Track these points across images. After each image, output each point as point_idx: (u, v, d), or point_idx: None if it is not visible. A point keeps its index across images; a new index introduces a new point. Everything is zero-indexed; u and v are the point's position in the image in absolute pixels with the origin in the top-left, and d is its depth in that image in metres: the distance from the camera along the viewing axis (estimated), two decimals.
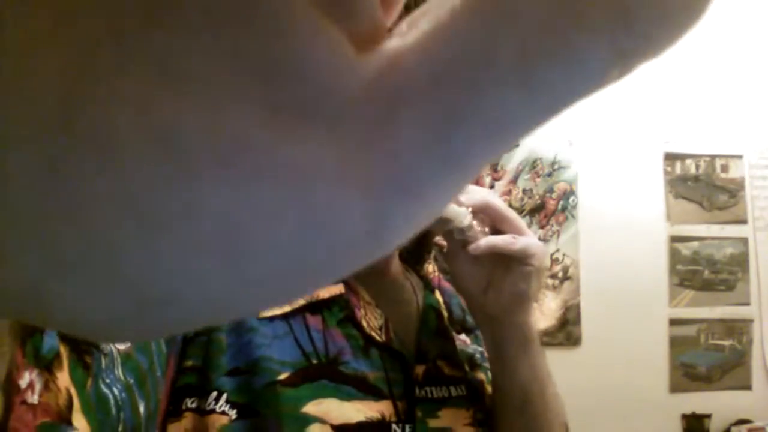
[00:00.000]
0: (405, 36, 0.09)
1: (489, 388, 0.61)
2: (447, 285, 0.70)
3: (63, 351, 0.35)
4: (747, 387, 2.02)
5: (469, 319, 0.67)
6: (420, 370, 0.56)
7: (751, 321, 2.05)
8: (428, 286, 0.65)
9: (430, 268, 0.68)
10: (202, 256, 0.09)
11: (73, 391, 0.35)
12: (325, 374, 0.50)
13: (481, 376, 0.62)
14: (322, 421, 0.48)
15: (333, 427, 0.48)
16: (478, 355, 0.63)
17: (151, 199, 0.09)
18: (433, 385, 0.56)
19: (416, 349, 0.57)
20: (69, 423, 0.34)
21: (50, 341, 0.34)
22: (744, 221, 2.08)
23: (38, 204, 0.09)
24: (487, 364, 0.63)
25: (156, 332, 0.11)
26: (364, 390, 0.51)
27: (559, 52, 0.09)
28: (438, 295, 0.66)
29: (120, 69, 0.08)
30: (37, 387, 0.33)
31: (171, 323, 0.10)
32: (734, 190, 2.09)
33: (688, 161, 2.08)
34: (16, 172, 0.08)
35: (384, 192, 0.10)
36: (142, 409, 0.40)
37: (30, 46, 0.08)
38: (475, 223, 0.52)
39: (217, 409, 0.47)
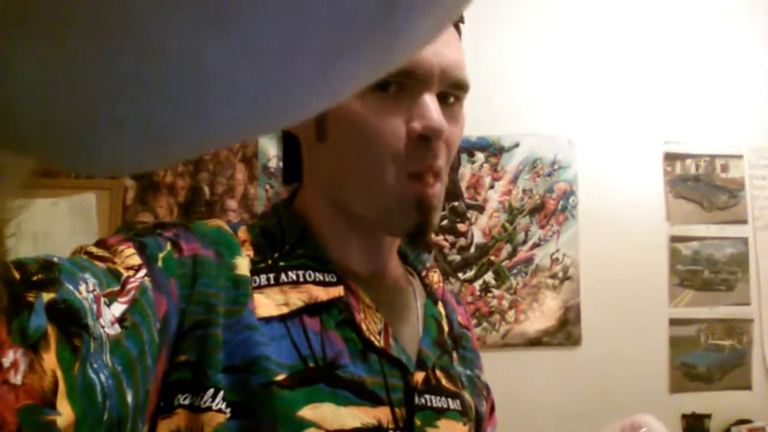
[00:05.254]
0: None
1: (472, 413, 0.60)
2: (449, 297, 0.68)
3: (51, 331, 0.33)
4: (747, 387, 2.02)
5: (466, 343, 0.66)
6: (419, 377, 0.55)
7: (751, 321, 2.05)
8: (432, 296, 0.64)
9: (435, 278, 0.67)
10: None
11: (59, 374, 0.32)
12: (321, 378, 0.49)
13: (468, 397, 0.61)
14: (318, 426, 0.47)
15: None
16: (464, 378, 0.62)
17: None
18: (432, 394, 0.55)
19: (417, 355, 0.56)
20: (53, 407, 0.32)
21: (37, 320, 0.32)
22: (744, 221, 2.08)
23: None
24: (473, 390, 0.62)
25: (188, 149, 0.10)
26: (362, 395, 0.50)
27: None
28: (441, 307, 0.65)
29: None
30: (21, 367, 0.31)
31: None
32: (734, 190, 2.09)
33: (688, 161, 2.08)
34: None
35: None
36: (129, 398, 0.38)
37: None
38: None
39: (214, 407, 0.45)
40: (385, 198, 0.53)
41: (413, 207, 0.53)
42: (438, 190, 0.54)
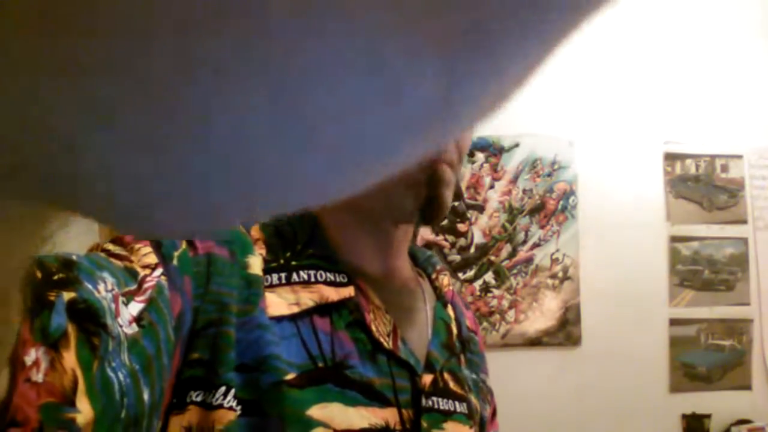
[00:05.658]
0: None
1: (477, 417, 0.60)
2: (459, 300, 0.68)
3: (71, 330, 0.33)
4: (747, 387, 2.02)
5: (473, 347, 0.66)
6: (427, 379, 0.55)
7: (751, 321, 2.05)
8: (441, 299, 0.64)
9: (446, 280, 0.66)
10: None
11: (78, 372, 0.33)
12: (330, 378, 0.49)
13: (474, 400, 0.61)
14: (326, 426, 0.47)
15: None
16: (470, 381, 0.62)
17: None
18: (439, 397, 0.55)
19: (425, 358, 0.56)
20: (73, 405, 0.32)
21: (58, 319, 0.33)
22: (744, 221, 2.08)
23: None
24: (478, 394, 0.62)
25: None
26: (370, 396, 0.50)
27: None
28: (450, 310, 0.64)
29: None
30: (43, 365, 0.32)
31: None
32: (734, 190, 2.09)
33: (688, 161, 2.08)
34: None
35: (458, 47, 0.08)
36: (146, 396, 0.38)
37: None
38: None
39: (225, 405, 0.45)
40: (389, 184, 0.53)
41: (422, 183, 0.53)
42: (443, 165, 0.54)
